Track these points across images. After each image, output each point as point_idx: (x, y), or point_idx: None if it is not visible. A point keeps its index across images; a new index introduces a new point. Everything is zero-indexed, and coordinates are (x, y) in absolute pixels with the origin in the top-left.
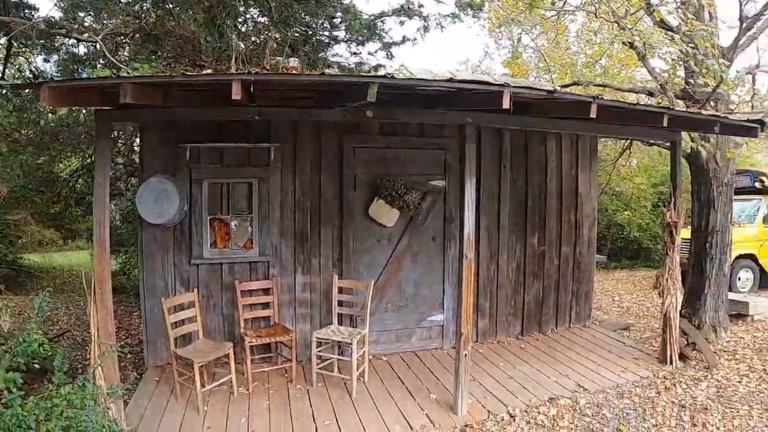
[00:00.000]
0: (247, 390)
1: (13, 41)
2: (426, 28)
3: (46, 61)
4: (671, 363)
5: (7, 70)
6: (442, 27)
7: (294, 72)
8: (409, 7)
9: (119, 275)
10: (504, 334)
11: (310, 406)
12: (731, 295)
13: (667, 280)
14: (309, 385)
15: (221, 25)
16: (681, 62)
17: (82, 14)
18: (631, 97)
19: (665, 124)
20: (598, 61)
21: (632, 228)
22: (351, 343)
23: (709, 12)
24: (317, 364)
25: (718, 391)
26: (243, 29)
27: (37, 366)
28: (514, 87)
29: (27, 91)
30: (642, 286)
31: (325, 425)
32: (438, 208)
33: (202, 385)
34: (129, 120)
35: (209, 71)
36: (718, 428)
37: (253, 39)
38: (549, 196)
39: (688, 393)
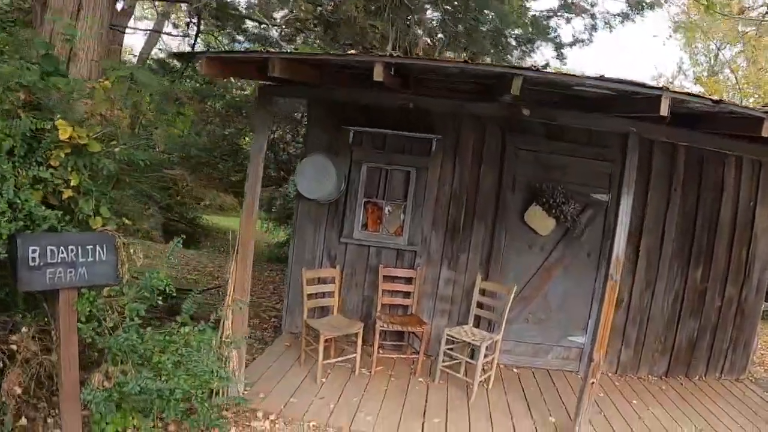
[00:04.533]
0: (370, 372)
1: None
2: (594, 27)
3: (234, 41)
4: None
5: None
6: (610, 27)
7: (435, 59)
8: (572, 3)
9: (285, 246)
10: (647, 370)
11: (425, 401)
12: None
13: None
14: (431, 381)
15: (393, 18)
16: None
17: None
18: None
19: None
20: None
21: None
22: (479, 346)
23: None
24: (443, 362)
25: None
26: (415, 27)
27: (161, 302)
28: (674, 92)
29: None
30: None
31: (433, 422)
32: (597, 223)
33: (325, 358)
34: (287, 96)
35: (353, 52)
36: None
37: (424, 38)
38: (720, 228)
39: None
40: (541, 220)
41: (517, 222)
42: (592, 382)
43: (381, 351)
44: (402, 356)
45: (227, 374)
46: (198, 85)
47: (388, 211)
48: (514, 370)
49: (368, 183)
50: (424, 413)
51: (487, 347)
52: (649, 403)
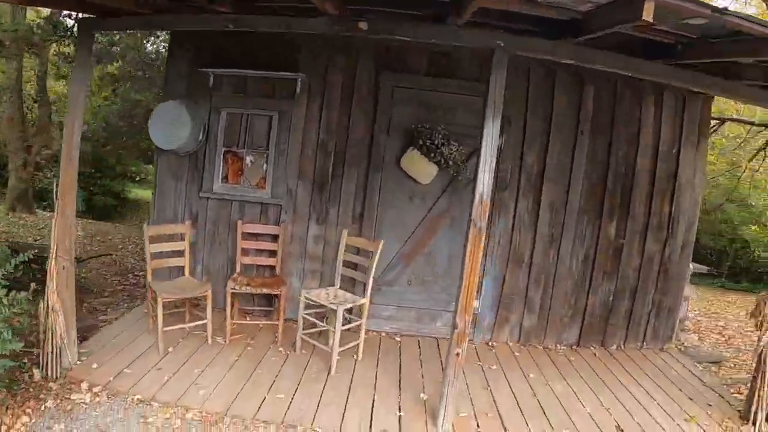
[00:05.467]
0: (225, 341)
1: None
2: None
3: None
4: (754, 424)
5: None
6: None
7: None
8: None
9: None
10: (554, 339)
11: (277, 374)
12: None
13: None
14: (292, 351)
15: None
16: None
17: None
18: None
19: None
20: None
21: (757, 246)
22: (336, 310)
23: None
24: (304, 329)
25: None
26: None
27: None
28: None
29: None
30: None
31: (276, 398)
32: None
33: (178, 324)
34: (110, 29)
35: None
36: None
37: None
38: (638, 177)
39: None
40: (420, 166)
41: (394, 170)
42: (457, 353)
43: (248, 317)
44: (269, 323)
45: (9, 337)
46: (100, 46)
47: (250, 161)
48: (397, 338)
49: (228, 131)
50: (270, 388)
51: (348, 311)
52: (550, 377)
